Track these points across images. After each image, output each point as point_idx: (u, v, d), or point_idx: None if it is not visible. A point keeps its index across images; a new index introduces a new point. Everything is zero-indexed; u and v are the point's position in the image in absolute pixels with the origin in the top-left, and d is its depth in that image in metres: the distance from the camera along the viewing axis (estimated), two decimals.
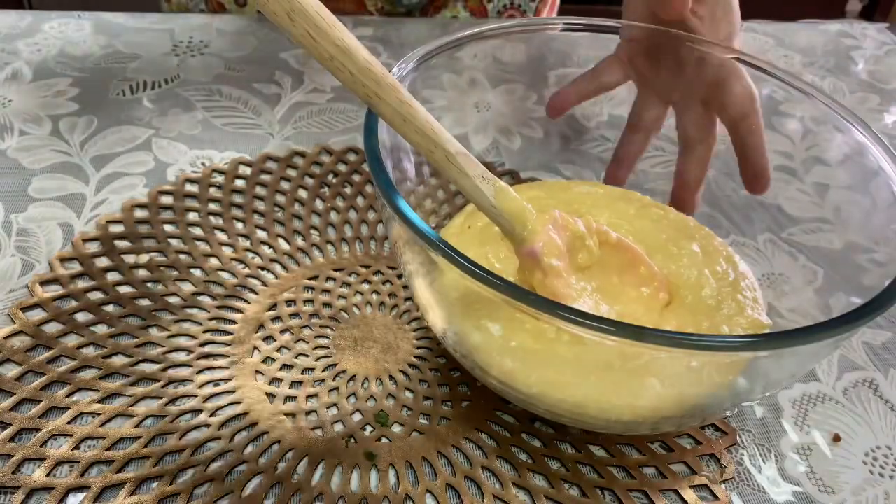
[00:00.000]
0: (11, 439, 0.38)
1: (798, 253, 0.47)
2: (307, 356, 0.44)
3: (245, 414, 0.41)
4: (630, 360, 0.35)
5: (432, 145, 0.35)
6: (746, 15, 0.59)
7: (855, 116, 0.44)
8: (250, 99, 0.62)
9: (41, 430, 0.39)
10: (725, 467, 0.41)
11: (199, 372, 0.42)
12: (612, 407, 0.37)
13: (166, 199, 0.52)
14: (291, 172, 0.56)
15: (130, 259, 0.47)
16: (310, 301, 0.47)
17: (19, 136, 0.56)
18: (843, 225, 0.48)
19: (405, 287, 0.48)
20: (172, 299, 0.46)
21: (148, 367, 0.42)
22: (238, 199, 0.53)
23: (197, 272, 0.47)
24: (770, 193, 0.51)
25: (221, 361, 0.43)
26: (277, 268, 0.49)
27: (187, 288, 0.46)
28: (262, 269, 0.48)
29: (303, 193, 0.54)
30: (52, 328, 0.43)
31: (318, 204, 0.53)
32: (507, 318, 0.38)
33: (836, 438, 0.42)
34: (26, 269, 0.46)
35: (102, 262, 0.47)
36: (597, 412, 0.37)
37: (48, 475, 0.37)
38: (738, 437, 0.42)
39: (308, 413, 0.41)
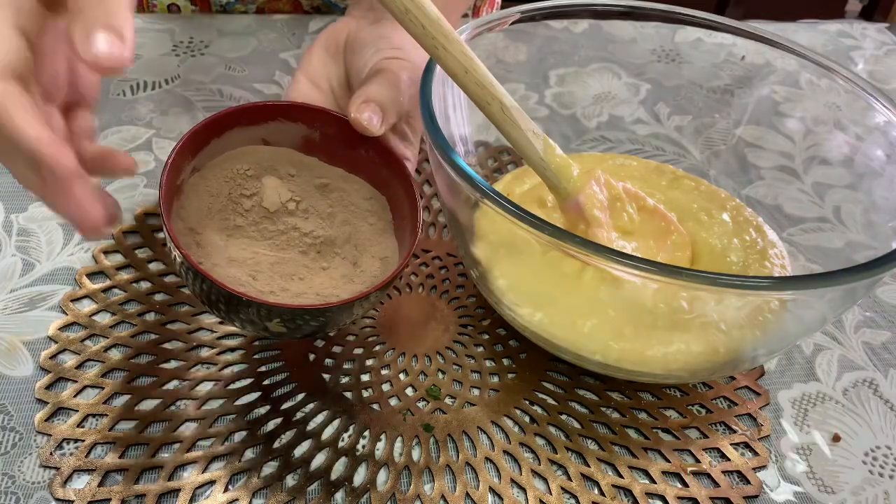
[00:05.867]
0: (79, 424, 0.39)
1: (798, 253, 0.47)
2: (355, 335, 0.45)
3: (304, 393, 0.42)
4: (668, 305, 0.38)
5: (489, 97, 0.38)
6: (746, 15, 0.60)
7: (881, 93, 0.46)
8: (250, 99, 0.62)
9: (107, 415, 0.40)
10: (762, 425, 0.43)
11: (253, 355, 0.43)
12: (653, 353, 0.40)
13: None
14: None
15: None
16: None
17: None
18: (844, 225, 0.49)
19: (442, 268, 0.50)
20: None
21: (204, 352, 0.43)
22: None
23: None
24: (770, 193, 0.52)
25: (272, 342, 0.44)
26: None
27: None
28: None
29: None
30: (104, 318, 0.44)
31: None
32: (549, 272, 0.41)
33: (836, 438, 0.42)
34: (27, 269, 0.47)
35: (145, 252, 0.48)
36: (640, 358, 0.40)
37: (120, 457, 0.38)
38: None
39: (364, 388, 0.42)
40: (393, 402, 0.42)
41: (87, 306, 0.45)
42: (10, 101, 0.30)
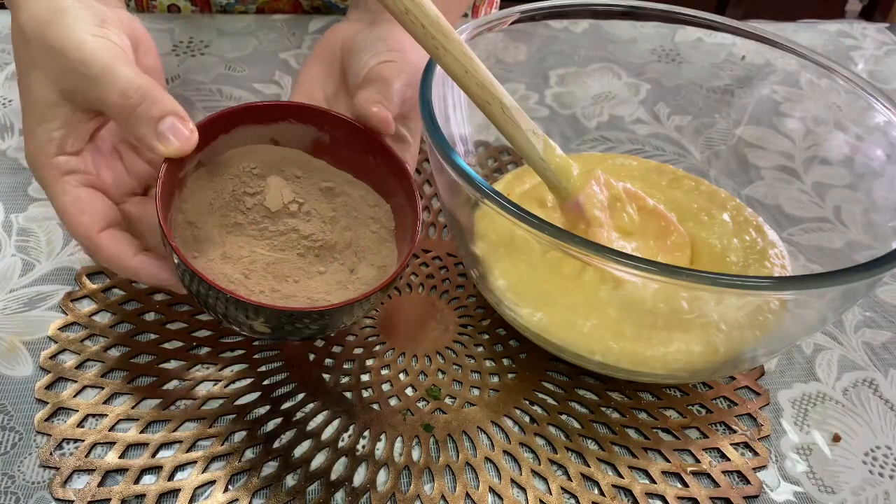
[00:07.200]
0: (79, 424, 0.39)
1: (798, 253, 0.47)
2: (355, 335, 0.45)
3: (304, 393, 0.42)
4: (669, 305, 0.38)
5: (489, 97, 0.38)
6: (746, 15, 0.60)
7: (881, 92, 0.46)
8: (250, 99, 0.62)
9: (107, 415, 0.40)
10: (762, 425, 0.43)
11: (253, 355, 0.43)
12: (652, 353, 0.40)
13: None
14: None
15: None
16: None
17: (19, 136, 0.56)
18: (844, 225, 0.49)
19: (442, 268, 0.50)
20: None
21: (204, 352, 0.43)
22: None
23: None
24: (770, 193, 0.52)
25: (273, 342, 0.44)
26: None
27: None
28: None
29: None
30: (104, 318, 0.44)
31: None
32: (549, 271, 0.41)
33: (836, 438, 0.42)
34: (26, 269, 0.47)
35: None
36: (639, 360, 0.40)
37: (120, 457, 0.38)
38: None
39: (364, 388, 0.42)
40: (393, 402, 0.42)
41: (87, 306, 0.45)
42: (112, 245, 0.38)
